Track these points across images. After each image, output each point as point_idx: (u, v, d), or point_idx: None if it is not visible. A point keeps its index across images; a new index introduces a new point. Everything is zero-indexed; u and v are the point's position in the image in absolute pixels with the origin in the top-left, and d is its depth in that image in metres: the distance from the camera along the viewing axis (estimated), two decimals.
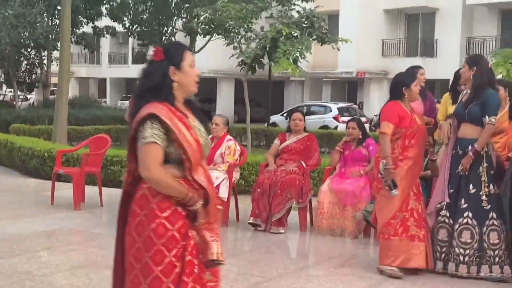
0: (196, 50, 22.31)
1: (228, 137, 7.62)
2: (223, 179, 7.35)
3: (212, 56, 28.51)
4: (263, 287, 5.24)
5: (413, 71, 6.68)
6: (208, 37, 20.09)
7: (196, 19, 19.20)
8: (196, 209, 2.95)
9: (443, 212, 5.68)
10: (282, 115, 27.47)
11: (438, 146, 6.70)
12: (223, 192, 7.33)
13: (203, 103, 33.76)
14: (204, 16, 17.03)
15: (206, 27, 17.62)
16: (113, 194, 8.95)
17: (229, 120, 7.91)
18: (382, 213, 5.79)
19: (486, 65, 5.94)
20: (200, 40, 21.92)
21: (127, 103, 40.72)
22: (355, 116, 8.82)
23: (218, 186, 7.30)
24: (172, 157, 2.93)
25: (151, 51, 3.11)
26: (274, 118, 26.20)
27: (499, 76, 12.28)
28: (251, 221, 7.33)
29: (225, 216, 7.48)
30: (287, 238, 7.09)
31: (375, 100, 30.95)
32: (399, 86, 5.86)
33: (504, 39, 28.38)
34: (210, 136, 7.83)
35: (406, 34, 31.87)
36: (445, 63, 28.12)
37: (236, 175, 7.68)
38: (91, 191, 8.80)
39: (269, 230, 7.18)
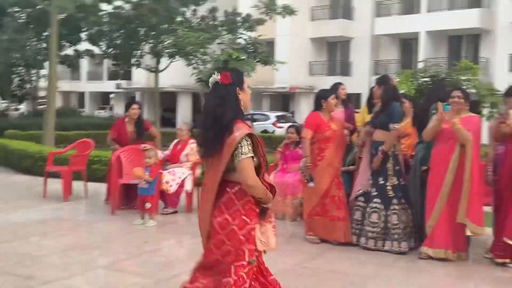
0: (160, 69, 22.09)
1: (192, 140, 7.54)
2: (188, 175, 7.29)
3: (172, 74, 28.22)
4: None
5: (336, 86, 6.77)
6: (171, 58, 19.92)
7: (161, 44, 19.00)
8: (268, 205, 3.08)
9: (360, 198, 5.81)
10: None
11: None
12: (188, 185, 7.28)
13: (166, 112, 33.36)
14: (168, 42, 16.86)
15: (171, 51, 17.46)
16: (96, 188, 8.79)
17: (192, 127, 7.84)
18: (309, 199, 5.97)
19: (391, 83, 6.08)
20: (163, 61, 21.73)
21: (103, 112, 40.02)
22: (293, 123, 8.84)
23: (183, 181, 7.26)
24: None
25: (218, 76, 3.05)
26: None
27: (402, 91, 12.58)
28: None
29: (190, 204, 7.42)
30: None
31: (304, 109, 31.30)
32: (319, 99, 6.00)
33: (402, 62, 29.11)
34: (177, 139, 7.78)
35: (328, 57, 32.35)
36: (358, 80, 28.67)
37: (198, 171, 7.60)
38: (76, 185, 8.59)
39: None
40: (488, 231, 5.79)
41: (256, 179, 2.97)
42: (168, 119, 33.41)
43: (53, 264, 5.02)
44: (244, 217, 3.02)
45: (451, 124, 5.25)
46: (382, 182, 5.66)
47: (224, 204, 3.03)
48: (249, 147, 2.96)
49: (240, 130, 2.95)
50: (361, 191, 5.80)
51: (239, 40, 15.97)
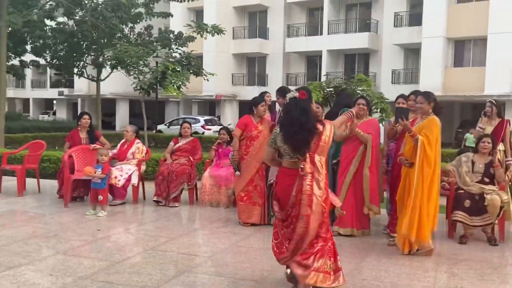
0: (101, 78, 21.32)
1: (137, 140, 7.44)
2: (134, 170, 7.16)
3: (111, 82, 27.41)
4: (170, 244, 5.16)
5: (262, 95, 6.87)
6: (110, 68, 19.26)
7: (103, 57, 18.33)
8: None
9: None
10: (165, 124, 27.11)
11: None
12: (134, 180, 7.15)
13: (105, 116, 32.28)
14: (108, 55, 16.29)
15: (113, 62, 16.87)
16: (46, 184, 8.37)
17: (137, 129, 7.68)
18: (237, 186, 6.14)
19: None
20: (104, 71, 20.98)
21: (46, 116, 37.97)
22: (223, 126, 8.90)
23: (130, 176, 7.11)
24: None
25: (297, 93, 3.65)
26: (159, 127, 25.78)
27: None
28: (154, 199, 7.15)
29: (136, 196, 7.28)
30: (181, 210, 7.00)
31: (228, 114, 31.42)
32: (251, 105, 6.19)
33: (308, 75, 29.94)
34: (123, 140, 7.60)
35: (248, 70, 32.63)
36: (273, 90, 28.92)
37: (143, 168, 7.54)
38: (28, 182, 8.13)
39: (168, 205, 7.06)
40: (384, 211, 6.14)
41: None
42: (108, 123, 32.39)
43: (14, 252, 4.74)
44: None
45: (356, 132, 5.51)
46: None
47: (316, 181, 3.60)
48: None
49: (327, 123, 3.70)
50: (272, 180, 5.95)
51: (174, 54, 15.78)
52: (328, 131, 3.63)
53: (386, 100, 14.06)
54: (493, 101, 6.36)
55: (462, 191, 5.56)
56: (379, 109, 13.95)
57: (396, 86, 25.19)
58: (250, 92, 29.36)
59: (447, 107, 25.78)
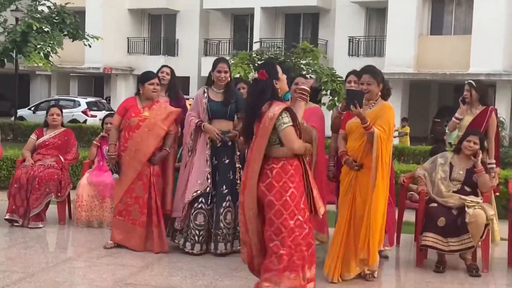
0: None
1: None
2: None
3: None
4: (26, 283, 4.96)
5: (158, 70, 6.77)
6: None
7: None
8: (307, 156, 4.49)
9: (200, 200, 5.86)
10: (29, 109, 26.25)
11: None
12: None
13: None
14: None
15: None
16: None
17: None
18: (115, 195, 6.20)
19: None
20: None
21: None
22: (110, 111, 8.69)
23: None
24: None
25: (257, 74, 4.35)
26: (21, 112, 24.91)
27: (237, 75, 13.05)
28: (7, 217, 6.89)
29: None
30: (46, 232, 6.78)
31: (121, 94, 30.78)
32: (137, 83, 6.23)
33: (235, 41, 30.06)
34: None
35: (150, 33, 32.21)
36: (186, 61, 29.00)
37: None
38: None
39: (27, 225, 6.83)
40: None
41: (299, 142, 4.25)
42: None
43: None
44: (293, 190, 4.23)
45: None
46: (232, 177, 5.89)
47: (274, 178, 4.23)
48: (289, 118, 4.20)
49: (279, 106, 4.21)
50: (199, 192, 5.86)
51: (41, 8, 15.24)
52: (272, 113, 4.16)
53: (339, 79, 14.38)
54: (473, 82, 6.45)
55: (436, 205, 5.74)
56: (329, 91, 14.25)
57: (355, 59, 25.89)
58: (153, 64, 28.72)
59: (422, 88, 26.94)
